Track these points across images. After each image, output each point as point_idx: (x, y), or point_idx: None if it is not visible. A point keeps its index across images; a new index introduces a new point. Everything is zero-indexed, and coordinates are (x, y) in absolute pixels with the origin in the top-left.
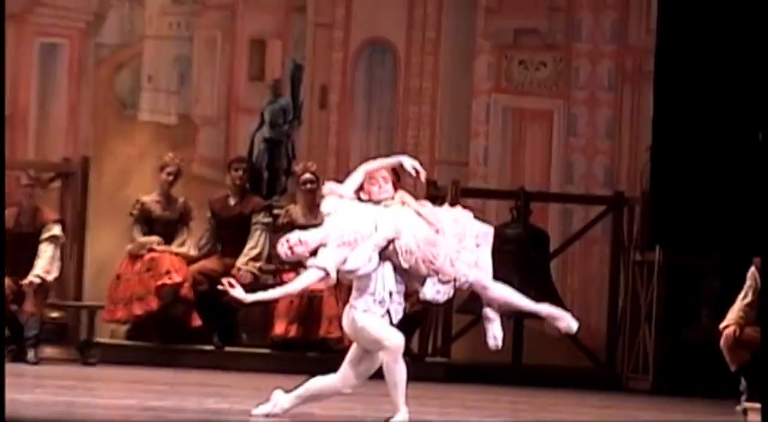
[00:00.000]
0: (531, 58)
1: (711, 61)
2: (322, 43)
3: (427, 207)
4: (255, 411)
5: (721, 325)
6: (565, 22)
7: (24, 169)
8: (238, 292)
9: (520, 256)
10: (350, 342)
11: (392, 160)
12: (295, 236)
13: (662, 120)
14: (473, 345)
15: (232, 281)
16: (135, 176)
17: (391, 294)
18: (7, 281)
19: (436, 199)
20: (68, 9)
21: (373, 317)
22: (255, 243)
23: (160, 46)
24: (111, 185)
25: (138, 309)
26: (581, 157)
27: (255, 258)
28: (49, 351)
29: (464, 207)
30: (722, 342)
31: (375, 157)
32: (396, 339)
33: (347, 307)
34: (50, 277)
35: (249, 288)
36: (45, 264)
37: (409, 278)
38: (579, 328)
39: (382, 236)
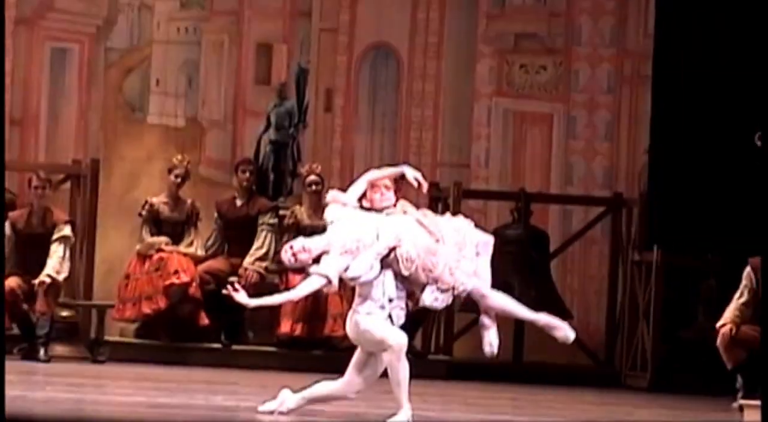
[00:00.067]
0: (531, 62)
1: (708, 64)
2: (327, 48)
3: (428, 216)
4: (261, 408)
5: (718, 324)
6: (565, 27)
7: (35, 171)
8: (241, 297)
9: (520, 256)
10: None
11: (395, 170)
12: (298, 243)
13: (660, 122)
14: (475, 344)
15: (237, 286)
16: (144, 178)
17: (391, 300)
18: (19, 280)
19: (438, 200)
20: (78, 14)
21: (376, 319)
22: (261, 243)
23: (168, 50)
24: (120, 187)
25: (147, 308)
26: (581, 159)
27: (261, 258)
28: (59, 349)
29: (466, 208)
30: (719, 340)
31: (379, 159)
32: (399, 339)
33: (350, 313)
34: (61, 277)
35: (255, 287)
36: (56, 264)
37: (410, 285)
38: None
39: (383, 244)
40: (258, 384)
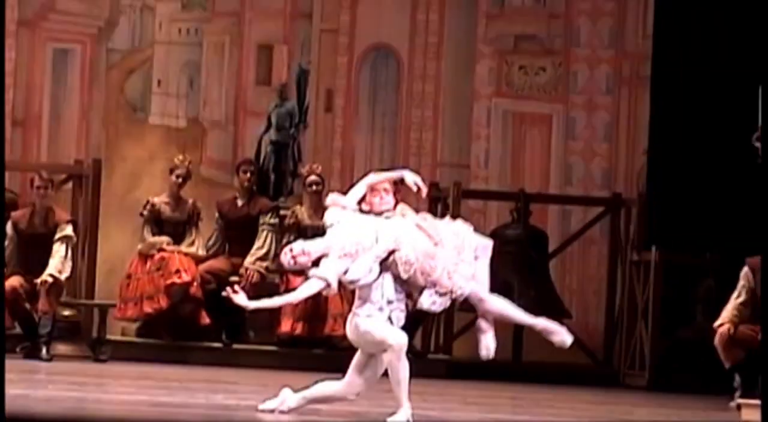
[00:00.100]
0: (531, 63)
1: (706, 65)
2: (328, 49)
3: (427, 219)
4: (261, 406)
5: (716, 324)
6: (564, 29)
7: (37, 171)
8: (241, 299)
9: (520, 256)
10: None
11: (394, 174)
12: (298, 246)
13: (658, 123)
14: (474, 343)
15: (236, 287)
16: (145, 178)
17: (390, 302)
18: (21, 280)
19: (438, 200)
20: (80, 15)
21: (376, 321)
22: (262, 243)
23: (169, 51)
24: (122, 187)
25: (148, 308)
26: (580, 159)
27: (262, 258)
28: (61, 348)
29: (465, 208)
30: (716, 340)
31: (379, 159)
32: (399, 339)
33: (350, 315)
34: (63, 276)
35: (256, 287)
36: (58, 263)
37: (408, 287)
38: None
39: (382, 248)
40: (258, 383)
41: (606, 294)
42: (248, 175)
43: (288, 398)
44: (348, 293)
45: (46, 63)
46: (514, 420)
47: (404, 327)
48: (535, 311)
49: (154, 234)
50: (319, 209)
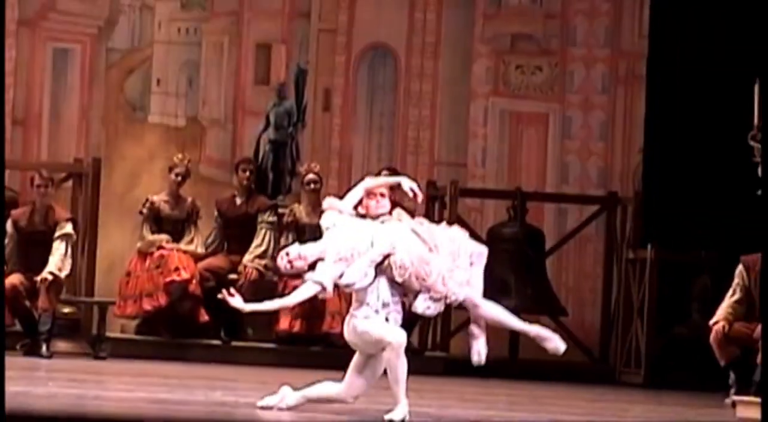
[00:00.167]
0: (527, 63)
1: (701, 65)
2: (326, 48)
3: (423, 225)
4: (260, 403)
5: (711, 321)
6: (560, 28)
7: (37, 170)
8: (237, 302)
9: (516, 254)
10: None
11: (392, 180)
12: (294, 250)
13: (654, 122)
14: None
15: (232, 290)
16: (145, 176)
17: (386, 305)
18: (21, 277)
19: (435, 199)
20: (80, 15)
21: (374, 321)
22: (261, 241)
23: (169, 50)
24: (121, 185)
25: (147, 305)
26: (576, 158)
27: (261, 256)
28: (61, 345)
29: (463, 207)
30: (712, 337)
31: (377, 158)
32: (398, 336)
33: (347, 317)
34: (63, 274)
35: (255, 284)
36: (58, 261)
37: (403, 291)
38: (573, 324)
39: (377, 252)
40: (257, 381)
41: (602, 291)
42: (247, 173)
43: (287, 396)
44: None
45: (46, 62)
46: (511, 417)
47: (402, 325)
48: (532, 309)
49: (153, 233)
50: (317, 207)
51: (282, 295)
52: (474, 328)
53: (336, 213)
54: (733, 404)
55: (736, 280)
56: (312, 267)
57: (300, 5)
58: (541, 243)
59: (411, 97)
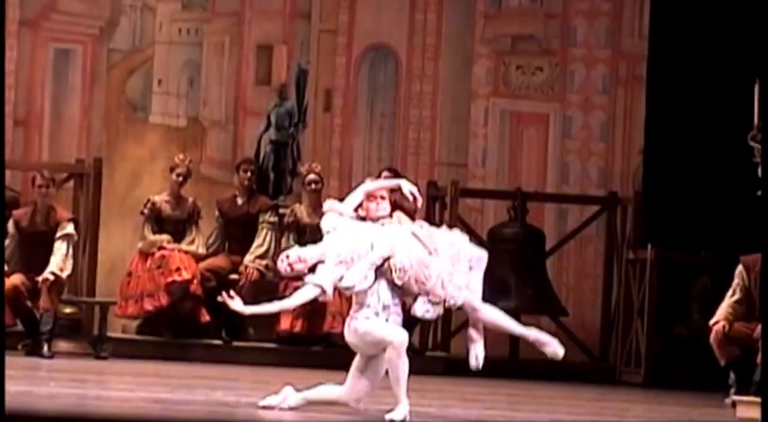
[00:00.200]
0: (528, 63)
1: (702, 65)
2: (327, 49)
3: (423, 228)
4: (262, 403)
5: (711, 321)
6: (561, 29)
7: (38, 170)
8: (236, 304)
9: (517, 254)
10: None
11: (392, 183)
12: (294, 253)
13: (654, 123)
14: None
15: (232, 293)
16: (146, 177)
17: (386, 307)
18: (23, 278)
19: (436, 199)
20: (81, 16)
21: (374, 322)
22: (262, 241)
23: (170, 51)
24: (123, 185)
25: (149, 305)
26: (576, 158)
27: (262, 256)
28: (63, 345)
29: (463, 207)
30: (712, 337)
31: (377, 158)
32: (400, 335)
33: (348, 320)
34: (64, 274)
35: (256, 284)
36: (59, 261)
37: (403, 293)
38: (573, 324)
39: (377, 254)
40: (258, 381)
41: (602, 291)
42: (248, 173)
43: (289, 396)
44: None
45: (48, 63)
46: (512, 417)
47: (403, 325)
48: (533, 309)
49: (154, 233)
50: (318, 207)
51: (283, 296)
52: (472, 332)
53: (336, 216)
54: (733, 404)
55: (735, 280)
56: (312, 270)
57: (301, 6)
58: (542, 244)
59: (411, 98)
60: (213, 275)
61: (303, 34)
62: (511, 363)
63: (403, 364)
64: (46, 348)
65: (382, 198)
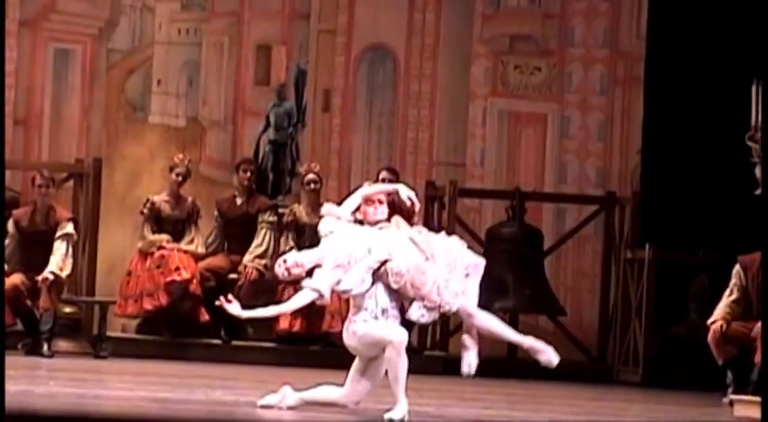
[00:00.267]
0: (526, 63)
1: (699, 66)
2: (326, 49)
3: (421, 233)
4: (261, 402)
5: (709, 321)
6: (559, 29)
7: (38, 170)
8: (234, 308)
9: (515, 254)
10: None
11: (389, 187)
12: (291, 258)
13: (652, 123)
14: None
15: (230, 297)
16: (145, 176)
17: (384, 310)
18: (23, 277)
19: (434, 199)
20: (81, 16)
21: (373, 324)
22: (261, 241)
23: (169, 51)
24: (122, 185)
25: (148, 305)
26: (574, 158)
27: (261, 256)
28: (62, 344)
29: (461, 207)
30: (709, 337)
31: (376, 158)
32: (400, 334)
33: (346, 323)
34: (64, 274)
35: (255, 284)
36: (59, 260)
37: (399, 297)
38: (571, 324)
39: (374, 258)
40: (257, 380)
41: (600, 291)
42: (247, 173)
43: (288, 396)
44: None
45: (47, 63)
46: (510, 417)
47: (401, 324)
48: (531, 308)
49: (154, 232)
50: (317, 207)
51: (282, 296)
52: (466, 339)
53: (334, 220)
54: (731, 403)
55: (733, 280)
56: (309, 273)
57: (300, 6)
58: (540, 243)
59: (410, 98)
60: (212, 275)
61: (302, 34)
62: (510, 362)
63: (403, 363)
64: (45, 347)
65: (380, 202)
